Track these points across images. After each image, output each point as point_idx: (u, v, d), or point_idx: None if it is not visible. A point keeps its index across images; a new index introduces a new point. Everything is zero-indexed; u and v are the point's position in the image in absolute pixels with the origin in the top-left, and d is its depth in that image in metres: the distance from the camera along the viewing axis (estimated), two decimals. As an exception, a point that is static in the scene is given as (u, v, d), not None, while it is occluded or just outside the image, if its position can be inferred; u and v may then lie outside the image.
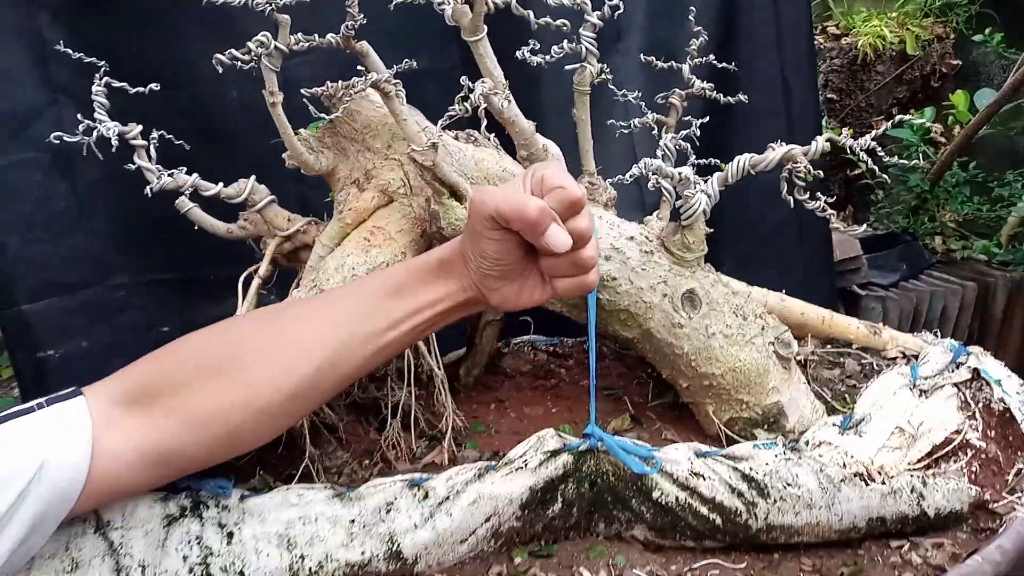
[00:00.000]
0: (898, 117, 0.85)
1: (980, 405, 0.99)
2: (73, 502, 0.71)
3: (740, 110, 1.58)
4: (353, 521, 0.83)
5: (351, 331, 0.74)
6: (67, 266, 1.35)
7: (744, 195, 1.64)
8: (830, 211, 0.96)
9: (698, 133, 1.04)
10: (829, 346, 1.13)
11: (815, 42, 2.61)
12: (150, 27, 1.29)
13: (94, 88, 0.92)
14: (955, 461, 0.93)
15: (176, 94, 1.27)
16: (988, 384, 1.01)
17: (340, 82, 0.86)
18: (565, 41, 0.97)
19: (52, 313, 1.34)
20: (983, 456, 0.95)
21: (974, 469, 0.94)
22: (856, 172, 2.39)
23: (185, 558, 0.80)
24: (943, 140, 2.34)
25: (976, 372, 1.01)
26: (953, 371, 1.00)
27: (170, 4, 1.29)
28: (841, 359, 1.11)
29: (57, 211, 1.33)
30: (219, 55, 0.85)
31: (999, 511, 0.93)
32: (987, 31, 2.31)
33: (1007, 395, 1.00)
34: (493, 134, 0.95)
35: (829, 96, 2.47)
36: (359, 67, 0.87)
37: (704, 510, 0.87)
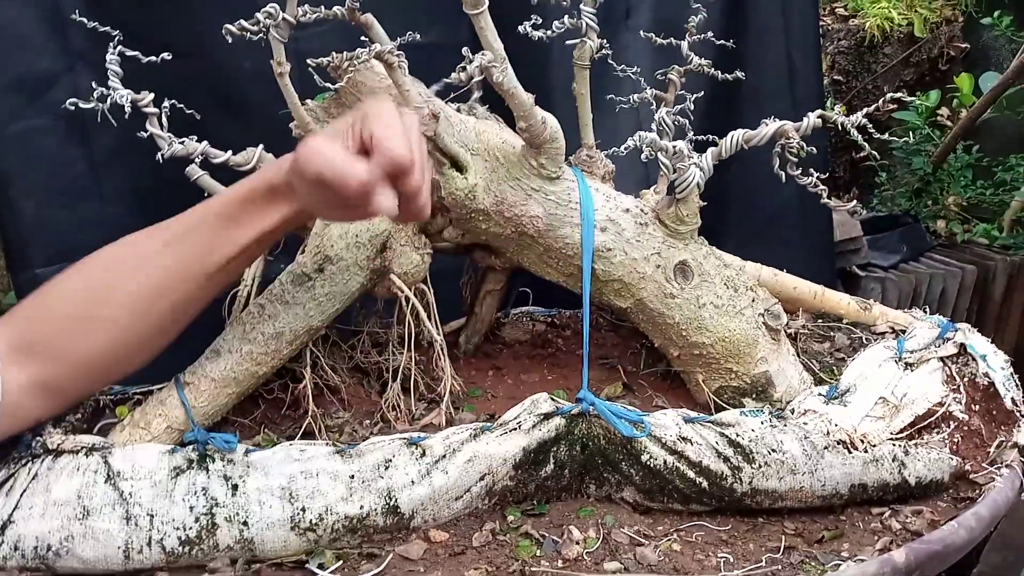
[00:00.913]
0: (890, 95, 0.86)
1: (965, 380, 1.02)
2: None
3: (746, 90, 1.60)
4: (353, 476, 0.86)
5: (198, 267, 0.81)
6: (82, 230, 1.37)
7: (750, 178, 1.67)
8: (822, 187, 0.98)
9: (692, 108, 1.06)
10: (820, 320, 1.16)
11: (823, 23, 2.61)
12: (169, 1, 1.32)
13: (108, 56, 0.95)
14: (937, 432, 0.96)
15: (191, 64, 1.30)
16: (974, 359, 1.03)
17: (345, 53, 0.89)
18: (566, 16, 0.99)
19: (66, 277, 1.38)
20: (965, 428, 0.98)
21: (956, 440, 0.97)
22: (861, 155, 2.40)
23: (191, 508, 0.83)
24: (949, 123, 2.34)
25: (962, 347, 1.04)
26: (939, 346, 1.03)
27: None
28: (831, 333, 1.14)
29: (73, 176, 1.36)
30: (228, 25, 0.88)
31: (979, 481, 0.96)
32: (996, 14, 2.31)
33: (992, 370, 1.03)
34: (487, 106, 0.97)
35: (836, 78, 2.47)
36: (363, 39, 0.90)
37: (691, 473, 0.90)
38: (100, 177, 1.39)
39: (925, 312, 1.11)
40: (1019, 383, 1.05)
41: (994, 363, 1.03)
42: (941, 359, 1.01)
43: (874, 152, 0.89)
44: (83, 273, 0.83)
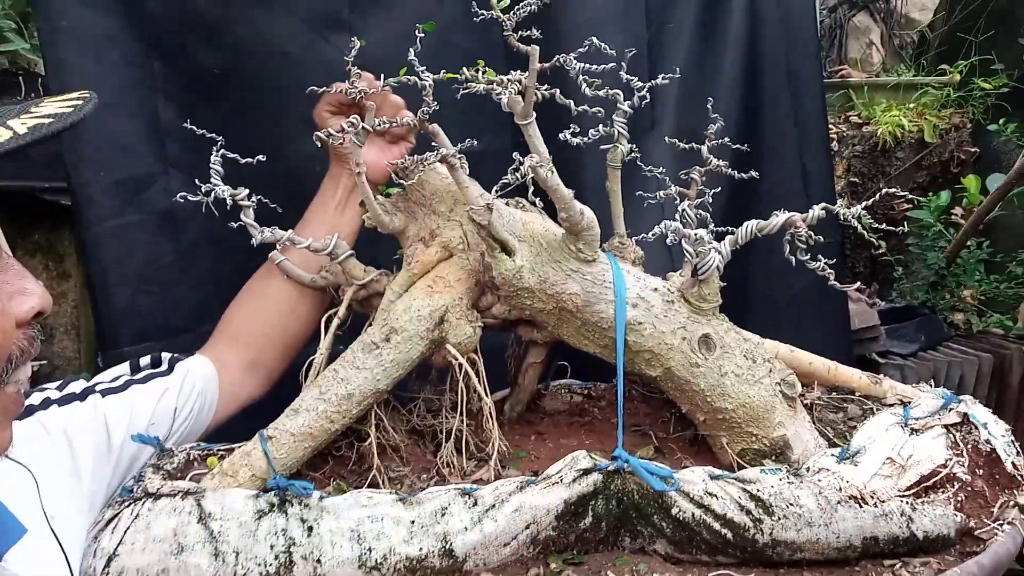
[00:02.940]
0: (878, 191, 1.00)
1: (969, 446, 1.11)
2: (214, 407, 1.19)
3: (763, 191, 1.76)
4: (413, 522, 0.97)
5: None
6: (167, 314, 1.53)
7: (768, 268, 1.81)
8: (830, 271, 1.11)
9: (711, 202, 1.21)
10: (834, 393, 1.26)
11: (838, 130, 2.80)
12: (250, 111, 1.51)
13: (212, 158, 1.13)
14: (943, 492, 1.05)
15: (270, 167, 1.49)
16: (976, 427, 1.13)
17: (416, 156, 1.06)
18: (601, 126, 1.16)
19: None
20: (969, 489, 1.07)
21: (960, 499, 1.05)
22: (879, 251, 2.53)
23: (272, 546, 0.94)
24: (962, 221, 2.47)
25: (965, 416, 1.13)
26: (943, 414, 1.13)
27: (273, 96, 1.51)
28: (844, 404, 1.24)
29: (162, 266, 1.53)
30: (319, 133, 1.05)
31: (983, 537, 1.04)
32: (1001, 121, 2.48)
33: (993, 437, 1.12)
34: (538, 197, 1.12)
35: (852, 180, 2.63)
36: (432, 144, 1.07)
37: (717, 525, 1.00)
38: (186, 267, 1.56)
39: (931, 385, 1.22)
40: (1020, 450, 1.14)
41: (995, 431, 1.12)
42: (945, 426, 1.11)
43: (875, 239, 1.01)
44: (251, 293, 1.28)
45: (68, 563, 0.89)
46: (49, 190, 2.14)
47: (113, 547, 0.95)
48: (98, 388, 1.06)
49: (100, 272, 1.47)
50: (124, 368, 1.14)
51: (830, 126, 2.83)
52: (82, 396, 1.03)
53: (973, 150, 2.77)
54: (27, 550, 0.83)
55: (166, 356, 1.17)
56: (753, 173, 1.28)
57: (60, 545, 0.88)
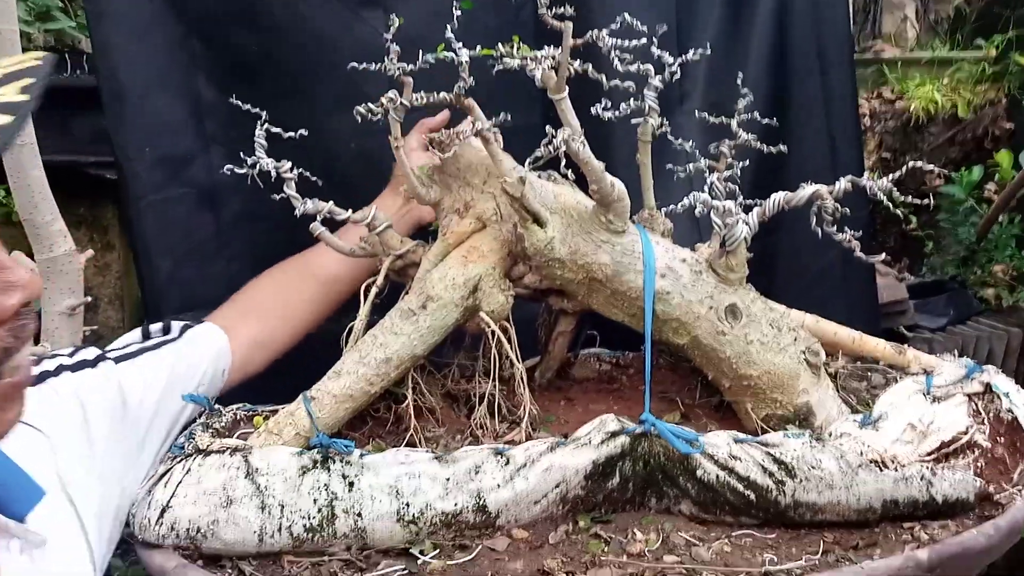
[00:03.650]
0: (905, 165, 1.02)
1: (991, 414, 1.13)
2: (227, 374, 1.23)
3: (792, 166, 1.77)
4: (448, 479, 1.02)
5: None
6: (207, 285, 1.59)
7: (794, 242, 1.83)
8: (856, 243, 1.13)
9: (740, 175, 1.23)
10: (859, 362, 1.29)
11: (871, 106, 2.78)
12: (289, 92, 1.56)
13: (256, 132, 1.17)
14: (963, 458, 1.08)
15: (308, 144, 1.53)
16: (998, 396, 1.15)
17: (452, 130, 1.09)
18: (632, 100, 1.19)
19: (191, 325, 1.59)
20: (989, 455, 1.09)
21: (980, 465, 1.08)
22: (910, 227, 2.53)
23: (315, 500, 1.00)
24: (995, 197, 2.45)
25: (988, 386, 1.15)
26: (966, 383, 1.15)
27: (309, 75, 1.55)
28: (868, 373, 1.26)
29: (202, 240, 1.59)
30: (359, 107, 1.09)
31: (1002, 502, 1.06)
32: (1036, 96, 2.45)
33: (1015, 406, 1.14)
34: (569, 169, 1.16)
35: (884, 155, 2.62)
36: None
37: (740, 487, 1.04)
38: (225, 240, 1.62)
39: (954, 355, 1.24)
40: (1042, 419, 1.16)
41: (1017, 400, 1.15)
42: (967, 395, 1.13)
43: (904, 213, 1.03)
44: (272, 276, 1.37)
45: (83, 526, 0.91)
46: (94, 164, 2.21)
47: (166, 499, 1.01)
48: (110, 355, 1.08)
49: (144, 244, 1.53)
50: (136, 335, 1.17)
51: (862, 101, 2.82)
52: (94, 363, 1.04)
53: (1008, 126, 2.74)
54: (46, 512, 0.84)
55: (177, 324, 1.20)
56: (782, 147, 1.30)
57: (75, 508, 0.90)
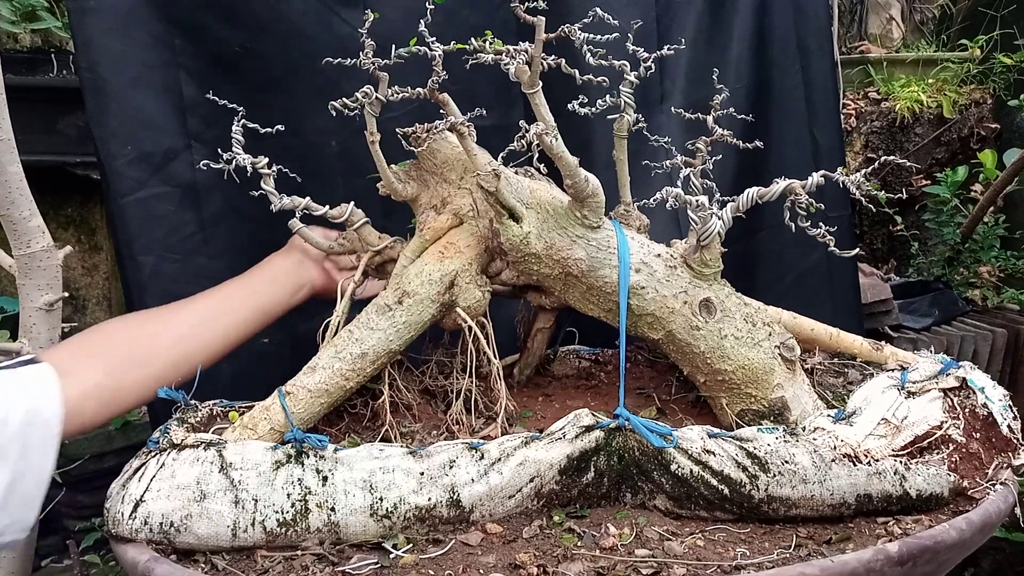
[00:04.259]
0: (878, 160, 1.02)
1: (966, 410, 1.13)
2: (56, 437, 0.99)
3: (774, 164, 1.78)
4: (423, 473, 1.02)
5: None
6: (190, 282, 1.58)
7: (779, 242, 1.83)
8: (830, 237, 1.14)
9: (712, 169, 1.23)
10: (836, 359, 1.29)
11: (857, 106, 2.79)
12: (271, 89, 1.56)
13: (234, 128, 1.17)
14: (937, 453, 1.08)
15: (288, 142, 1.53)
16: (974, 392, 1.15)
17: (425, 124, 1.10)
18: (608, 96, 1.19)
19: (174, 322, 1.58)
20: (964, 451, 1.09)
21: (955, 460, 1.08)
22: (897, 228, 2.54)
23: (289, 495, 1.00)
24: (981, 198, 2.46)
25: (963, 381, 1.15)
26: (941, 379, 1.15)
27: (290, 73, 1.56)
28: (845, 369, 1.27)
29: (184, 236, 1.59)
30: (333, 103, 1.09)
31: (976, 496, 1.07)
32: (1022, 96, 2.46)
33: (991, 401, 1.14)
34: (543, 164, 1.16)
35: (869, 156, 2.63)
36: (441, 113, 1.10)
37: (714, 481, 1.04)
38: (207, 237, 1.62)
39: (930, 351, 1.24)
40: (1017, 415, 1.16)
41: (992, 395, 1.15)
42: (942, 390, 1.13)
43: (890, 212, 1.03)
44: (129, 321, 1.22)
45: None
46: (81, 165, 2.21)
47: (140, 493, 1.01)
48: None
49: (127, 241, 1.53)
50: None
51: (848, 102, 2.83)
52: None
53: (994, 126, 2.75)
54: None
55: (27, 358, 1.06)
56: (758, 143, 1.31)
57: None
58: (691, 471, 1.04)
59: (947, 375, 1.15)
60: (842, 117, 2.65)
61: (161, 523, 0.99)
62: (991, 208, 2.40)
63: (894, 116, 2.70)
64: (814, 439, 1.06)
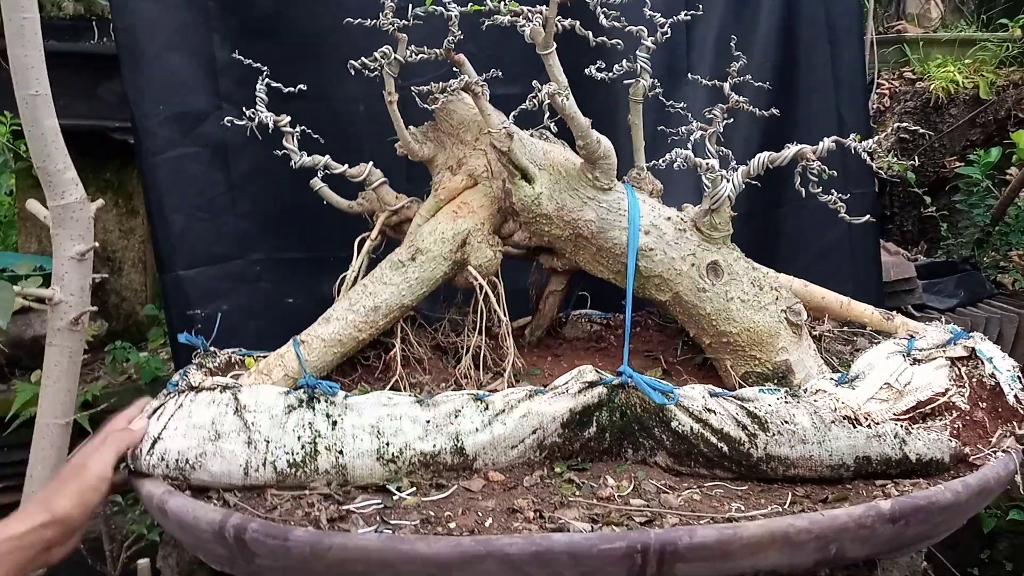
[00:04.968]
0: (891, 128, 1.02)
1: (974, 380, 1.13)
2: None
3: (800, 140, 1.77)
4: (429, 421, 1.05)
5: None
6: (217, 241, 1.64)
7: (801, 216, 1.83)
8: (841, 204, 1.14)
9: (721, 130, 1.24)
10: (846, 327, 1.29)
11: (891, 86, 2.75)
12: (301, 54, 1.59)
13: (257, 87, 1.21)
14: (940, 419, 1.08)
15: (317, 106, 1.57)
16: (982, 362, 1.15)
17: (440, 83, 1.12)
18: (624, 60, 1.20)
19: (202, 279, 1.63)
20: (968, 418, 1.10)
21: (957, 427, 1.08)
22: (928, 209, 2.50)
23: (299, 437, 1.03)
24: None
25: (972, 351, 1.15)
26: (949, 348, 1.15)
27: (320, 39, 1.59)
28: (855, 337, 1.27)
29: (214, 195, 1.63)
30: (352, 62, 1.12)
31: (977, 463, 1.07)
32: (1062, 79, 2.40)
33: (999, 371, 1.14)
34: (552, 121, 1.17)
35: (902, 136, 2.59)
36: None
37: (714, 439, 1.06)
38: (235, 198, 1.66)
39: (942, 321, 1.24)
40: (1025, 385, 1.15)
41: (1001, 366, 1.15)
42: (950, 359, 1.13)
43: (881, 173, 1.04)
44: None
45: None
46: (119, 130, 2.27)
47: (158, 431, 1.05)
48: None
49: (157, 199, 1.58)
50: None
51: (883, 82, 2.79)
52: None
53: (1032, 108, 2.70)
54: None
55: None
56: (774, 111, 1.31)
57: None
58: (691, 428, 1.06)
59: (955, 344, 1.16)
60: (876, 97, 2.62)
61: (177, 460, 1.03)
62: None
63: (928, 96, 2.66)
64: (815, 401, 1.07)
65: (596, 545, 0.87)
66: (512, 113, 1.08)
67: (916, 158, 2.45)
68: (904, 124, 1.05)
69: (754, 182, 1.27)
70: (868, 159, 1.06)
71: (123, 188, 2.50)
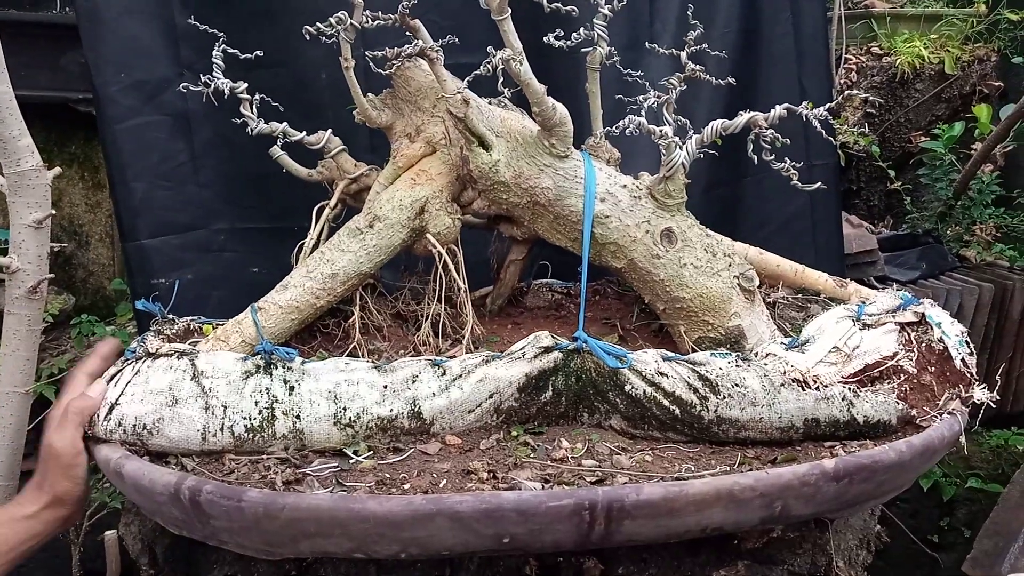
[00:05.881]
0: (841, 94, 1.04)
1: (923, 345, 1.16)
2: None
3: (761, 110, 1.78)
4: (386, 386, 1.06)
5: None
6: (180, 210, 1.63)
7: (762, 189, 1.84)
8: (793, 171, 1.15)
9: (675, 98, 1.25)
10: (800, 294, 1.32)
11: (858, 61, 2.77)
12: (263, 20, 1.58)
13: (214, 53, 1.20)
14: (887, 382, 1.11)
15: (278, 74, 1.56)
16: (931, 327, 1.17)
17: (396, 48, 1.12)
18: (582, 28, 1.20)
19: (165, 248, 1.62)
20: (915, 382, 1.12)
21: (905, 390, 1.11)
22: (893, 184, 2.53)
23: (256, 403, 1.04)
24: (979, 154, 2.45)
25: (922, 316, 1.18)
26: (899, 313, 1.18)
27: (281, 4, 1.58)
28: (808, 304, 1.29)
29: (176, 164, 1.62)
30: (308, 27, 1.12)
31: (924, 425, 1.10)
32: (1027, 53, 2.43)
33: (947, 336, 1.16)
34: (507, 88, 1.17)
35: (868, 111, 2.62)
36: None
37: (666, 402, 1.07)
38: (198, 166, 1.65)
39: (892, 287, 1.26)
40: (972, 350, 1.18)
41: (949, 331, 1.17)
42: (899, 324, 1.15)
43: (832, 139, 1.05)
44: None
45: None
46: (83, 101, 2.25)
47: (115, 397, 1.06)
48: None
49: (119, 167, 1.57)
50: None
51: (850, 57, 2.81)
52: None
53: (998, 84, 2.73)
54: None
55: None
56: (731, 79, 1.32)
57: None
58: (644, 392, 1.08)
59: (905, 310, 1.18)
60: (843, 71, 2.64)
61: (134, 425, 1.04)
62: (988, 165, 2.39)
63: (894, 71, 2.68)
64: (765, 364, 1.09)
65: (544, 502, 0.89)
66: (467, 79, 1.08)
67: (882, 134, 2.47)
68: (857, 92, 1.06)
69: (713, 152, 1.29)
70: (820, 128, 1.08)
71: (89, 161, 2.48)
